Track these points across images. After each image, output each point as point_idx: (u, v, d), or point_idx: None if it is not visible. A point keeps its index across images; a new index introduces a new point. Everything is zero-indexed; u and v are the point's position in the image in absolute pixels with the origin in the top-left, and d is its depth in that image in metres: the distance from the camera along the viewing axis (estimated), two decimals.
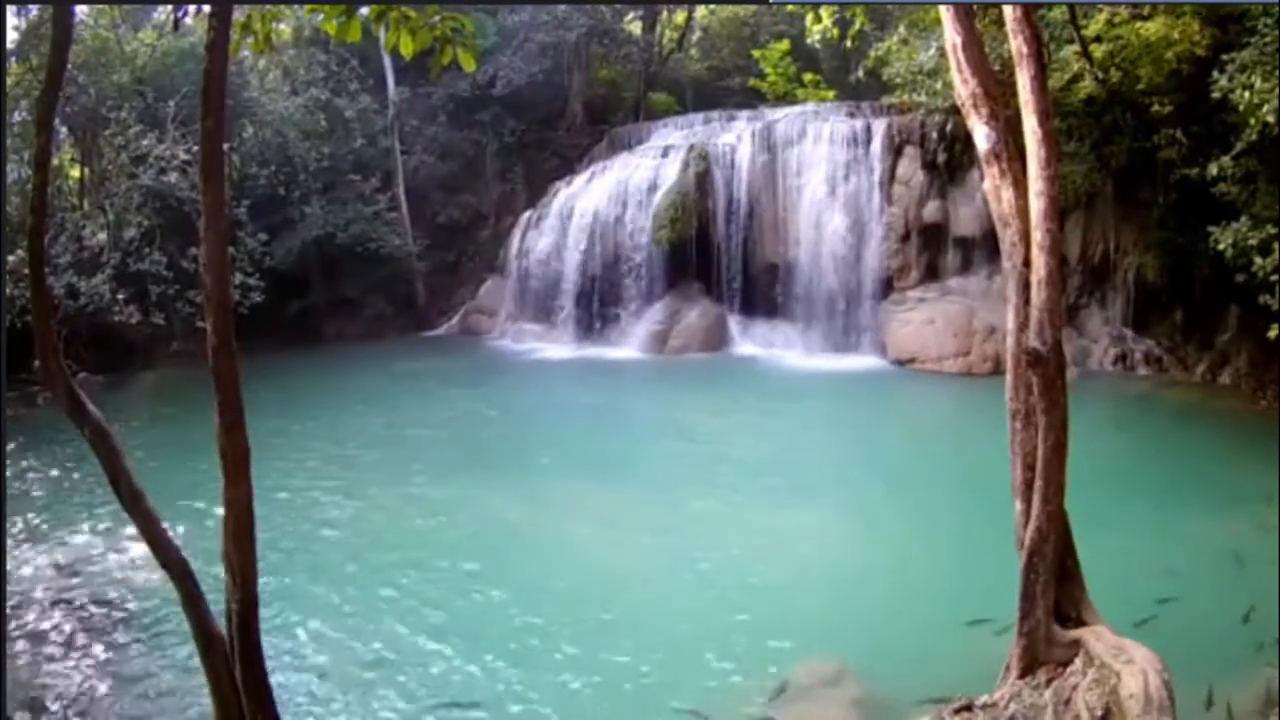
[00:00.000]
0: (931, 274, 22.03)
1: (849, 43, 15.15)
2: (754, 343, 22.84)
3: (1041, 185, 6.00)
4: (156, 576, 7.74)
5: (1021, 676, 6.01)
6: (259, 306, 21.41)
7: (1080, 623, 6.09)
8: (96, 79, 21.92)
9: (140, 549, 8.77)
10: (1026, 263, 6.12)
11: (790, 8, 22.17)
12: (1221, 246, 13.89)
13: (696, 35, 34.37)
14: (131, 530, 8.00)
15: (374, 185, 26.28)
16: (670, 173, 23.53)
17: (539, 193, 26.82)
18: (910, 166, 21.98)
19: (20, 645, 8.29)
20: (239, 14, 5.28)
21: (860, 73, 23.50)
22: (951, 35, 6.58)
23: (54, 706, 7.30)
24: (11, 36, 19.28)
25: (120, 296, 20.06)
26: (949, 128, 20.85)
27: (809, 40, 15.31)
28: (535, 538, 11.12)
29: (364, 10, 5.17)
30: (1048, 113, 6.11)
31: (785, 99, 28.76)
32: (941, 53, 14.71)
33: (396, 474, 13.49)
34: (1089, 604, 6.20)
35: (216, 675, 5.27)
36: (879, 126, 22.36)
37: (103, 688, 7.63)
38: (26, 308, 6.02)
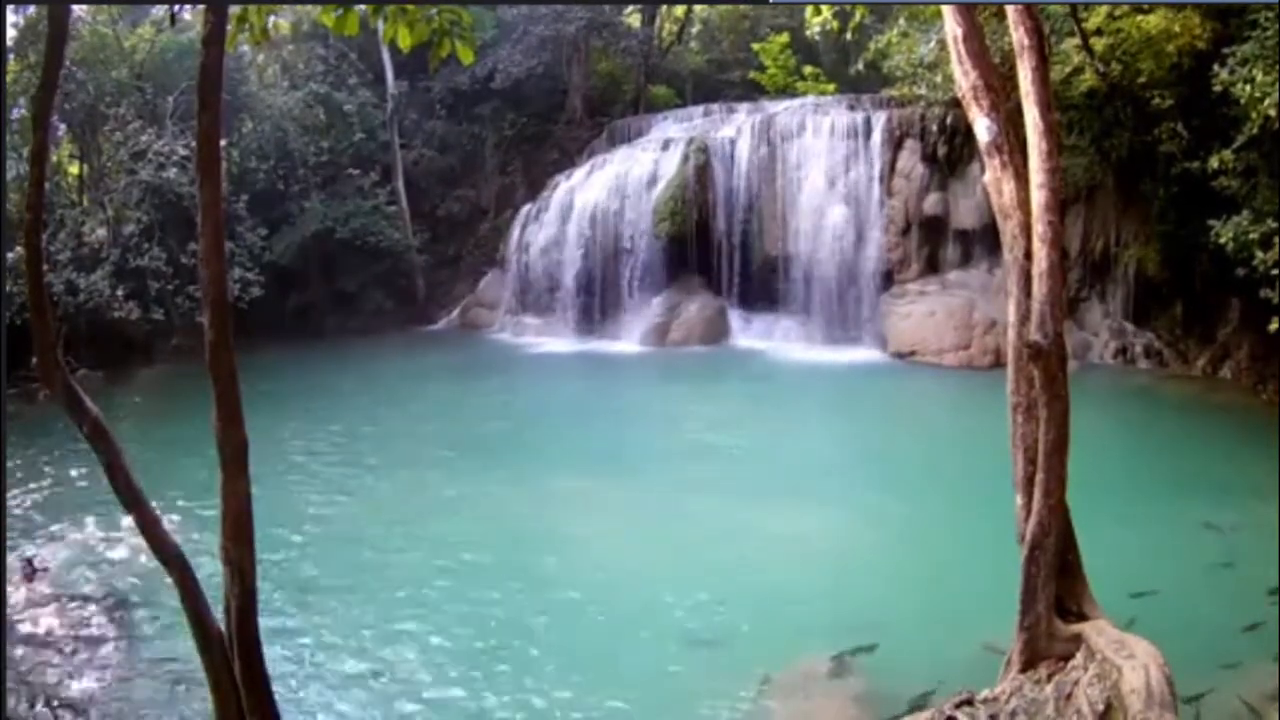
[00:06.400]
0: (932, 267, 22.00)
1: (849, 35, 15.14)
2: (754, 336, 22.80)
3: (1042, 178, 5.98)
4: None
5: (1023, 671, 5.99)
6: (258, 301, 21.42)
7: (1082, 617, 6.07)
8: (95, 75, 21.85)
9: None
10: (1028, 255, 6.09)
11: None
12: (1222, 240, 13.86)
13: (696, 28, 34.24)
14: None
15: (373, 179, 26.22)
16: (670, 166, 23.48)
17: (539, 186, 26.75)
18: (910, 159, 21.93)
19: None
20: (236, 8, 5.25)
21: (860, 65, 23.44)
22: (952, 28, 6.55)
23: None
24: (10, 34, 19.20)
25: (120, 292, 20.04)
26: (949, 120, 20.80)
27: (808, 33, 15.31)
28: (535, 533, 11.12)
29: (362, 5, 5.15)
30: (1049, 105, 6.08)
31: (785, 92, 28.65)
32: (942, 45, 14.68)
33: (395, 472, 13.46)
34: (1090, 598, 6.19)
35: (215, 671, 5.24)
36: (879, 119, 22.32)
37: None
38: (26, 304, 6.00)
